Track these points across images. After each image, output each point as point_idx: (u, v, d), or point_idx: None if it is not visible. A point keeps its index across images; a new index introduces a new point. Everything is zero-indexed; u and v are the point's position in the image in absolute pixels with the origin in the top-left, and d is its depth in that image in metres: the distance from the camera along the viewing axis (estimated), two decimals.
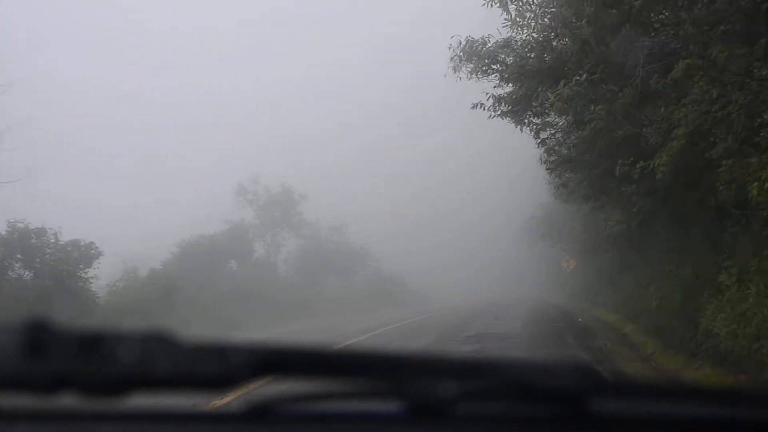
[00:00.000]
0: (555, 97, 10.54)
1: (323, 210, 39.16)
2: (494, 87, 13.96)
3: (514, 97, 13.23)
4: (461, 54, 13.69)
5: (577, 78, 9.96)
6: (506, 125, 14.10)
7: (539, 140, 13.69)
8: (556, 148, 13.54)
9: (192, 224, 31.85)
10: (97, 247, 18.30)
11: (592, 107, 10.38)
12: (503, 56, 13.40)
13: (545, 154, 13.82)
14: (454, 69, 13.85)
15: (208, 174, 51.01)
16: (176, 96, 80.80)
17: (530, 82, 11.98)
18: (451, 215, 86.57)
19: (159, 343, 0.91)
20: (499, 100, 13.76)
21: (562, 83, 10.12)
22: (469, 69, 13.74)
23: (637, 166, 10.16)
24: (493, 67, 13.59)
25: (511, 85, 13.43)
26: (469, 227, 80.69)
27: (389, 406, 1.00)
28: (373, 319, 21.42)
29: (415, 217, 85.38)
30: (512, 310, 24.09)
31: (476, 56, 13.56)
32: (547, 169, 14.17)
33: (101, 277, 19.51)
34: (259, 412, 1.02)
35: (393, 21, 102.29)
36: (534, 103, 12.37)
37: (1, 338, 0.87)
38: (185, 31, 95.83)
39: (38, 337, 0.87)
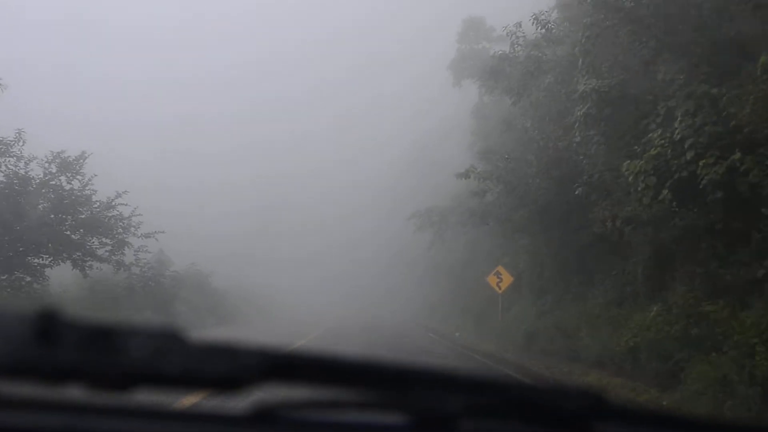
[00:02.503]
0: None
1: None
2: None
3: None
4: None
5: None
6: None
7: None
8: None
9: None
10: None
11: None
12: None
13: None
14: None
15: None
16: None
17: None
18: (329, 198, 69.74)
19: (169, 339, 0.98)
20: None
21: None
22: None
23: None
24: None
25: None
26: (354, 211, 64.52)
27: (394, 417, 1.09)
28: None
29: (273, 196, 67.70)
30: None
31: None
32: None
33: None
34: (265, 415, 1.10)
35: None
36: None
37: (11, 326, 0.93)
38: None
39: (48, 326, 0.93)
